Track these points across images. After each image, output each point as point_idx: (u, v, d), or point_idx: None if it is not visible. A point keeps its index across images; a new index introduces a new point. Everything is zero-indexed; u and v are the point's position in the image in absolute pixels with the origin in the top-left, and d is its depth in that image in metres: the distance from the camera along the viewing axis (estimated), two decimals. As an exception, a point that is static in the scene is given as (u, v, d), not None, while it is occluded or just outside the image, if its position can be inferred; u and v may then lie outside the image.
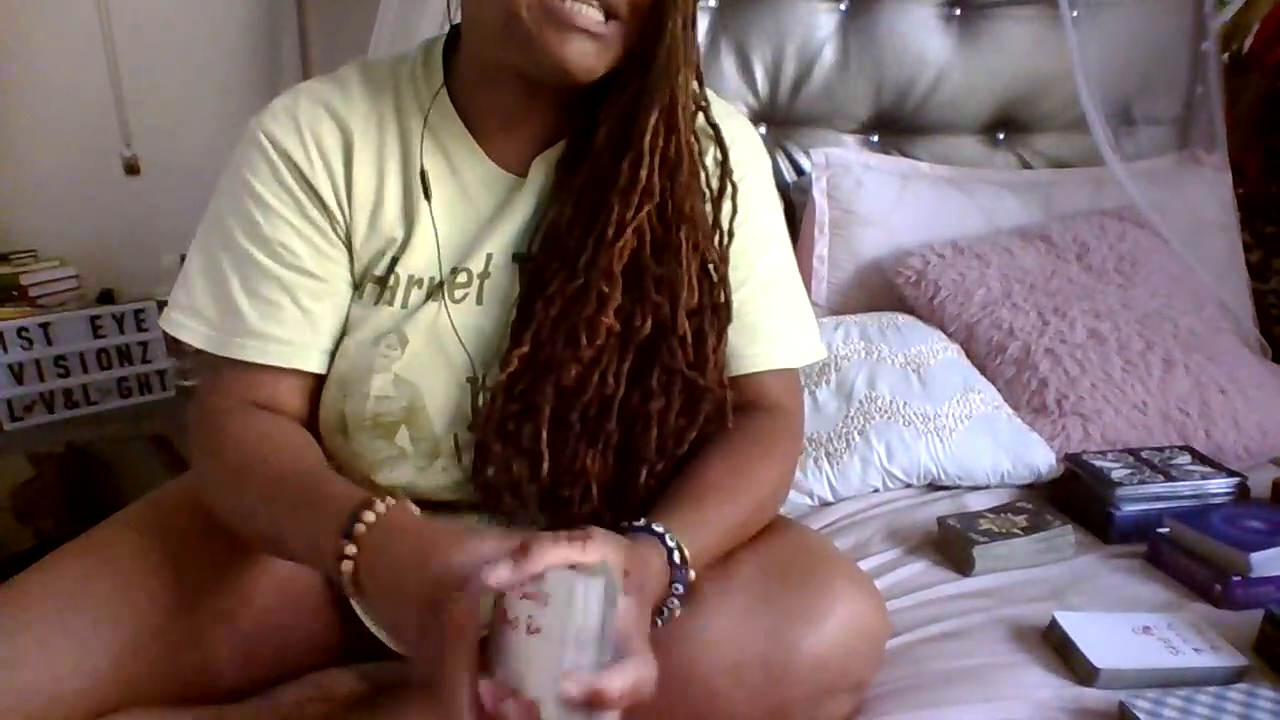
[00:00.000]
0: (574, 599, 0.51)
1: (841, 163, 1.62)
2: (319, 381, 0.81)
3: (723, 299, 0.78)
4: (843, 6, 1.66)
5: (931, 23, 1.68)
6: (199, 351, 0.79)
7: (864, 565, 1.03)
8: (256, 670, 0.82)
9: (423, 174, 0.78)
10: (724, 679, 0.66)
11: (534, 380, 0.74)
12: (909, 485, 1.23)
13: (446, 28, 0.84)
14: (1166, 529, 1.01)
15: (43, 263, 1.77)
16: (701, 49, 1.63)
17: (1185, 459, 1.16)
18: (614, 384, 0.73)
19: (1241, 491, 1.11)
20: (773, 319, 0.84)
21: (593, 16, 0.68)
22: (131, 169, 1.84)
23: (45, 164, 1.81)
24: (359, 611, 0.86)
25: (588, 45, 0.69)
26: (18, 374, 1.64)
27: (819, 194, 1.61)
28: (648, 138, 0.72)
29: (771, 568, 0.70)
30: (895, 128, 1.74)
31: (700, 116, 0.78)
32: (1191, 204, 1.63)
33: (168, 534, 0.79)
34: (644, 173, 0.72)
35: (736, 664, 0.66)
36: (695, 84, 0.76)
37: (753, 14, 1.65)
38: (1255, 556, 0.90)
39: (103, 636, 0.72)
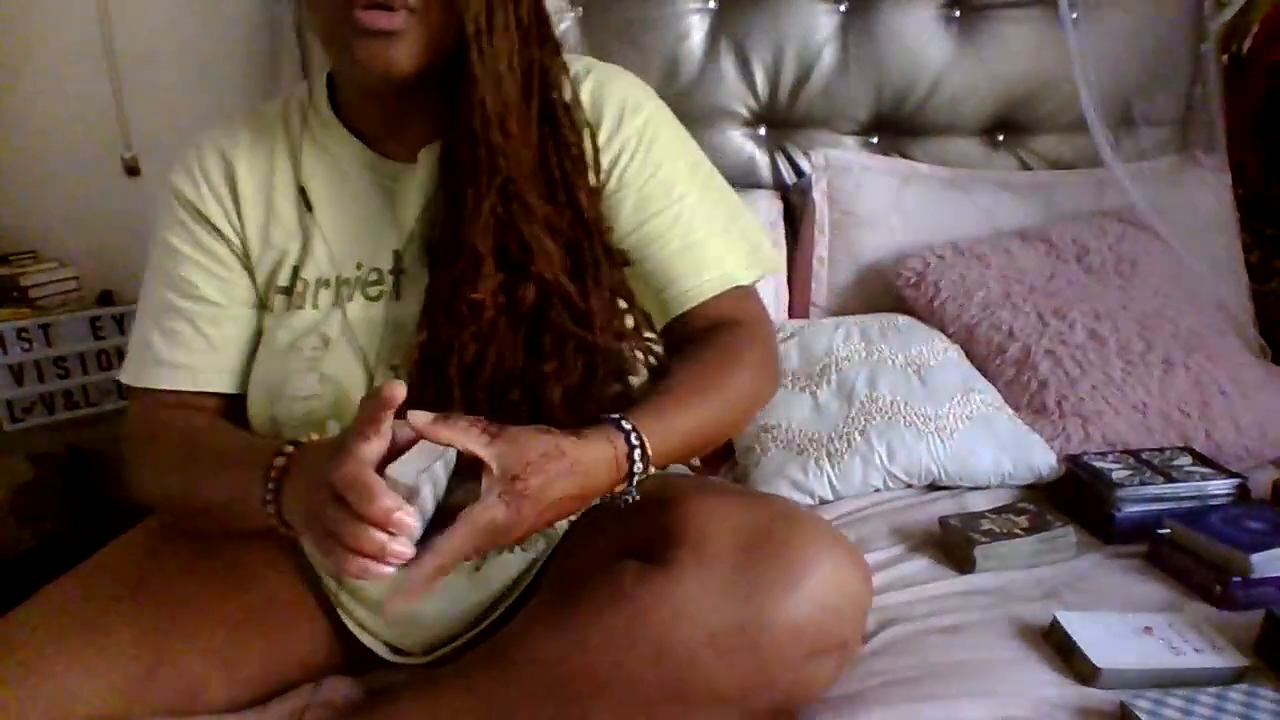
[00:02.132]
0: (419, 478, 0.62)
1: (841, 164, 1.63)
2: (232, 401, 0.87)
3: (600, 256, 0.80)
4: (842, 8, 1.67)
5: (931, 24, 1.68)
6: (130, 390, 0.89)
7: (865, 565, 1.03)
8: (251, 687, 0.83)
9: (301, 190, 0.85)
10: (702, 647, 0.66)
11: (439, 365, 0.77)
12: (910, 485, 1.23)
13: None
14: (1167, 530, 1.01)
15: (43, 264, 1.77)
16: (700, 49, 1.65)
17: (1185, 460, 1.16)
18: (510, 356, 0.77)
19: (1241, 492, 1.11)
20: (712, 246, 0.88)
21: (385, 20, 0.72)
22: (131, 170, 1.83)
23: (45, 165, 1.81)
24: (347, 624, 0.87)
25: (390, 46, 0.73)
26: (18, 375, 1.64)
27: (819, 195, 1.61)
28: (475, 122, 0.75)
29: (747, 533, 0.69)
30: (895, 129, 1.74)
31: (567, 85, 0.82)
32: (1191, 205, 1.63)
33: (163, 559, 0.83)
34: (482, 153, 0.75)
35: (714, 631, 0.66)
36: (544, 57, 0.79)
37: (752, 15, 1.65)
38: (1255, 557, 0.90)
39: (106, 660, 0.74)
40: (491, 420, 0.68)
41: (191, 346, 0.85)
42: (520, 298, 0.76)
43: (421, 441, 0.65)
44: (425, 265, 0.81)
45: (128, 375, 0.88)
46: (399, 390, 0.62)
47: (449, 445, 0.65)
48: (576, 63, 0.86)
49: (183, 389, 0.85)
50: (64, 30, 1.76)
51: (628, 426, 0.71)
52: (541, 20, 0.79)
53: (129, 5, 1.77)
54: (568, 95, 0.82)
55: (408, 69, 0.74)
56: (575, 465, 0.67)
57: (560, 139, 0.80)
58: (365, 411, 0.63)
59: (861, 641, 0.84)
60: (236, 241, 0.86)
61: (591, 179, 0.82)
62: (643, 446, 0.71)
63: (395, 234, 0.84)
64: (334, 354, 0.82)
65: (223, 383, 0.86)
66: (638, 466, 0.71)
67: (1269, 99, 1.77)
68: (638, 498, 0.72)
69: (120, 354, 1.74)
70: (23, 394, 1.66)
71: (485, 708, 0.72)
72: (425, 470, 0.63)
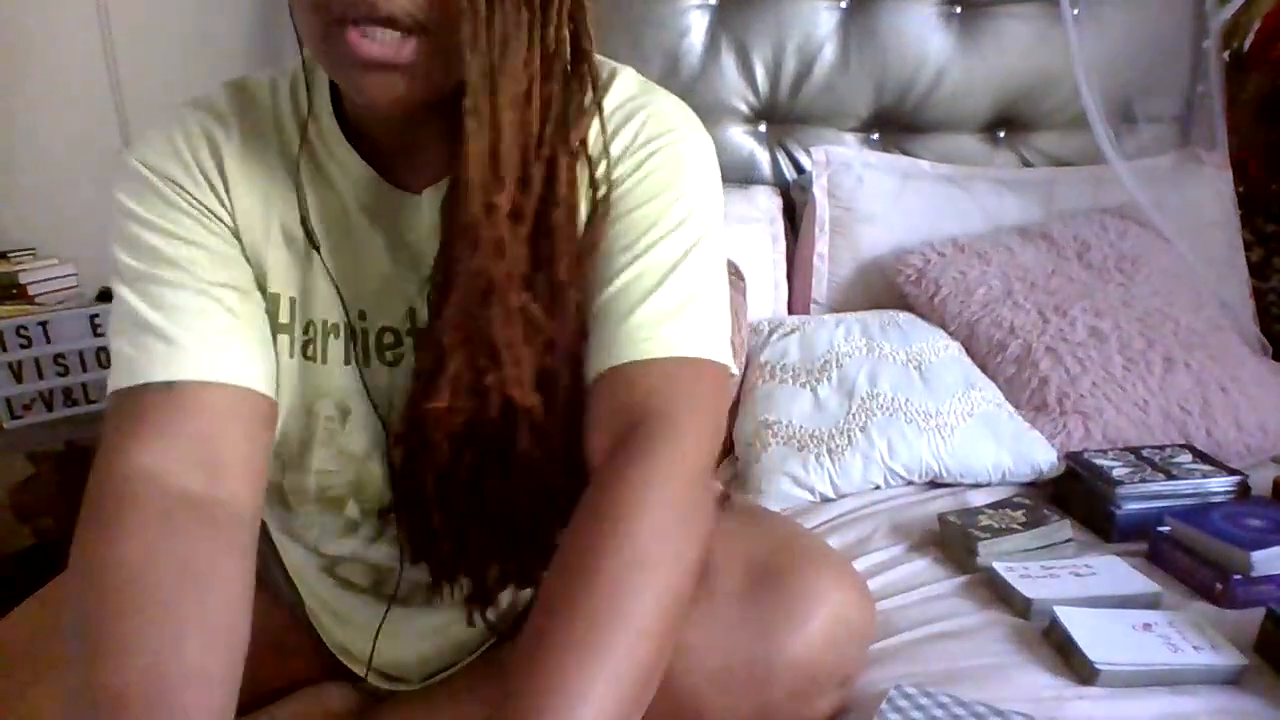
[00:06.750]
0: None
1: (842, 161, 1.62)
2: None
3: (576, 384, 0.66)
4: (843, 4, 1.66)
5: (932, 21, 1.68)
6: None
7: (865, 561, 1.03)
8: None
9: (305, 223, 0.68)
10: (708, 685, 0.66)
11: (417, 464, 0.69)
12: (910, 482, 1.23)
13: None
14: (1167, 527, 1.01)
15: (41, 261, 1.76)
16: (701, 46, 1.65)
17: (1186, 457, 1.16)
18: (479, 468, 0.68)
19: (1242, 490, 1.11)
20: (651, 308, 0.65)
21: (378, 50, 0.56)
22: (131, 167, 1.84)
23: (45, 162, 1.81)
24: (334, 650, 0.85)
25: (390, 75, 0.57)
26: (17, 372, 1.64)
27: (819, 192, 1.61)
28: (459, 191, 0.60)
29: (753, 568, 0.68)
30: (896, 126, 1.74)
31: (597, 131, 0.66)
32: (1192, 202, 1.63)
33: None
34: (458, 230, 0.60)
35: (721, 669, 0.66)
36: (569, 98, 0.64)
37: (753, 13, 1.65)
38: (1256, 555, 0.90)
39: None
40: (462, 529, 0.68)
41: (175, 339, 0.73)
42: (483, 415, 0.64)
43: None
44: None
45: None
46: None
47: None
48: (639, 93, 0.70)
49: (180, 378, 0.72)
50: (64, 27, 1.76)
51: None
52: (577, 43, 0.64)
53: (129, 5, 1.77)
54: (593, 149, 0.65)
55: (411, 101, 0.59)
56: None
57: (557, 235, 0.63)
58: None
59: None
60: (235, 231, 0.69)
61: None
62: None
63: (404, 285, 0.70)
64: (353, 427, 0.72)
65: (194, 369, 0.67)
66: None
67: (1270, 96, 1.77)
68: None
69: (120, 351, 1.75)
70: (21, 391, 1.65)
71: None
72: None
